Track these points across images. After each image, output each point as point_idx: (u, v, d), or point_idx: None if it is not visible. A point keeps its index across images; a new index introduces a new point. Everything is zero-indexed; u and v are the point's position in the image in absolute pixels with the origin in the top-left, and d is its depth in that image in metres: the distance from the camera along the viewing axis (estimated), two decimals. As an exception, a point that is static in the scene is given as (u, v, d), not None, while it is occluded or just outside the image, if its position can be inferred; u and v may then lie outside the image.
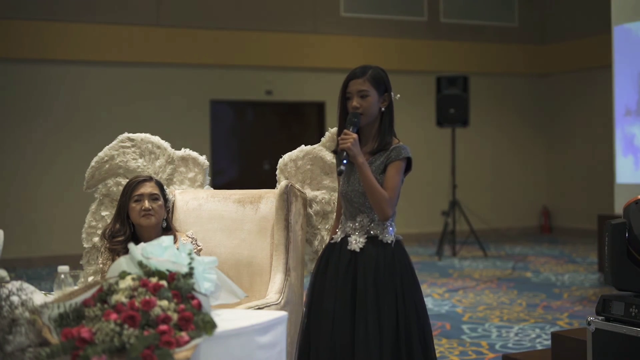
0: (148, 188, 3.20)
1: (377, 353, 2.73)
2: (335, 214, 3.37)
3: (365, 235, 2.87)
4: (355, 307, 2.81)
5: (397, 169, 2.84)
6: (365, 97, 2.86)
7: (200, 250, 3.22)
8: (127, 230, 3.17)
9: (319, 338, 2.84)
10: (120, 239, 3.14)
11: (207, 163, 3.71)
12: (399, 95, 2.97)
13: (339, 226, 2.97)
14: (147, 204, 3.15)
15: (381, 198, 2.79)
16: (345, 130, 2.81)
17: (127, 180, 3.39)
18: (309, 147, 3.46)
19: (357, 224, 2.89)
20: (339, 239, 2.93)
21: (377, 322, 2.77)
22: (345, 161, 2.78)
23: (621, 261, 3.10)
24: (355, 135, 2.78)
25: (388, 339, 2.76)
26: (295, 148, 3.49)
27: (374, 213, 2.85)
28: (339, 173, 2.81)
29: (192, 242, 3.19)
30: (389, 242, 2.87)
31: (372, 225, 2.87)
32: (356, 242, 2.87)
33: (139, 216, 3.15)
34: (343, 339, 2.79)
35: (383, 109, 2.91)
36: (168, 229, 3.24)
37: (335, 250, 2.92)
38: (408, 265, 2.90)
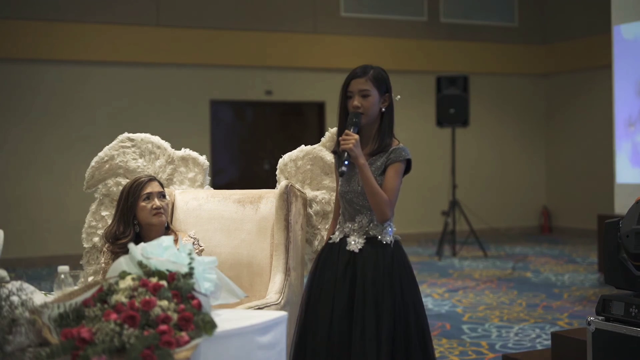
0: (156, 187, 3.20)
1: (374, 353, 2.73)
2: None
3: (364, 236, 2.88)
4: (353, 307, 2.81)
5: (396, 171, 2.84)
6: (367, 97, 2.86)
7: (202, 250, 3.21)
8: (131, 231, 3.15)
9: (316, 337, 2.84)
10: (124, 241, 3.10)
11: (207, 163, 3.71)
12: (399, 97, 2.96)
13: (337, 226, 2.97)
14: (157, 202, 3.15)
15: (381, 200, 2.80)
16: (346, 131, 2.80)
17: (127, 180, 3.39)
18: (309, 147, 3.46)
19: (356, 225, 2.89)
20: (338, 239, 2.93)
21: (375, 322, 2.76)
22: (346, 162, 2.77)
23: (613, 259, 3.15)
24: (356, 136, 2.78)
25: (386, 339, 2.75)
26: (295, 148, 3.49)
27: (373, 214, 2.86)
28: (341, 174, 2.80)
29: (194, 243, 3.18)
30: (388, 242, 2.87)
31: (371, 225, 2.88)
32: (355, 242, 2.87)
33: (151, 215, 3.14)
34: (340, 338, 2.79)
35: (383, 109, 2.90)
36: (167, 228, 3.23)
37: (334, 251, 2.92)
38: (407, 266, 2.91)
